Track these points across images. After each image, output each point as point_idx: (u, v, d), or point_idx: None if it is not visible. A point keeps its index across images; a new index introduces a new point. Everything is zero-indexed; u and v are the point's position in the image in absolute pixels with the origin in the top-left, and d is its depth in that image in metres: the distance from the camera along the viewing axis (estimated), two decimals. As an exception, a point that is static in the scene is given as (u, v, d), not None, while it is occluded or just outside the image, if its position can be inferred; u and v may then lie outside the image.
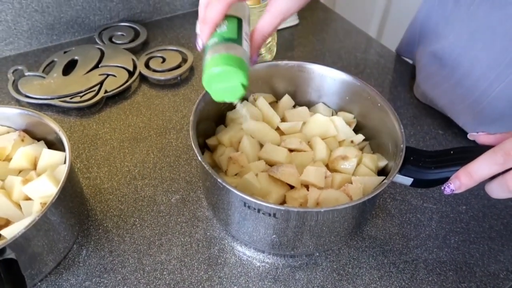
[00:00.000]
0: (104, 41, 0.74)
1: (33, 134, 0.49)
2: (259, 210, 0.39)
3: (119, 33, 0.75)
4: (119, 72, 0.67)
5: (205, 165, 0.40)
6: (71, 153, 0.43)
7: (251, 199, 0.38)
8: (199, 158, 0.41)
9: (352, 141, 0.52)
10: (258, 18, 0.42)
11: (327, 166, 0.49)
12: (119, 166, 0.55)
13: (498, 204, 0.52)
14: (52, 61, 0.69)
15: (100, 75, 0.66)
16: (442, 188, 0.39)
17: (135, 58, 0.70)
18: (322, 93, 0.55)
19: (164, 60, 0.70)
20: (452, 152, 0.41)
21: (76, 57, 0.69)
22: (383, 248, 0.48)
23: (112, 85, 0.65)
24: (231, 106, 0.54)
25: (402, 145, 0.43)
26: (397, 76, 0.72)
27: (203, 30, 0.40)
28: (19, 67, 0.67)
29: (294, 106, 0.56)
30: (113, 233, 0.48)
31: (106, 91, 0.64)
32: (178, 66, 0.69)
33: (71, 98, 0.62)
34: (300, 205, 0.44)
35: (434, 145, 0.60)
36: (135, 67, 0.69)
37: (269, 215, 0.39)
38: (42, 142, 0.49)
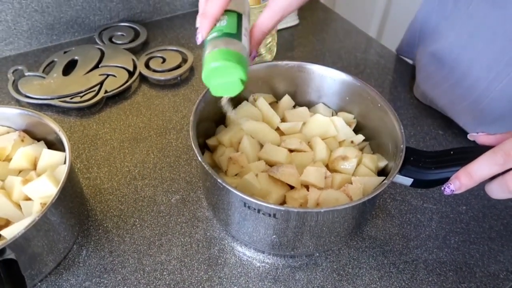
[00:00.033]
0: (104, 41, 0.74)
1: (33, 134, 0.49)
2: (259, 211, 0.39)
3: (119, 33, 0.75)
4: (119, 72, 0.67)
5: (205, 166, 0.40)
6: (71, 153, 0.43)
7: (251, 199, 0.38)
8: (199, 158, 0.41)
9: (352, 142, 0.52)
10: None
11: (327, 166, 0.49)
12: (119, 166, 0.55)
13: (498, 204, 0.52)
14: (52, 61, 0.69)
15: (100, 75, 0.66)
16: (442, 188, 0.39)
17: (135, 58, 0.70)
18: (322, 93, 0.55)
19: (164, 60, 0.70)
20: (452, 152, 0.41)
21: (76, 57, 0.69)
22: (383, 248, 0.48)
23: (112, 85, 0.65)
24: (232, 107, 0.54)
25: (402, 146, 0.43)
26: (397, 76, 0.72)
27: (202, 24, 0.40)
28: (19, 67, 0.67)
29: (294, 107, 0.56)
30: (113, 233, 0.48)
31: (106, 91, 0.64)
32: (178, 66, 0.69)
33: (71, 98, 0.62)
34: (300, 205, 0.44)
35: (434, 146, 0.60)
36: (135, 67, 0.69)
37: (269, 215, 0.39)
38: (42, 142, 0.49)
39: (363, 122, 0.53)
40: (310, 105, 0.56)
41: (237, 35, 0.39)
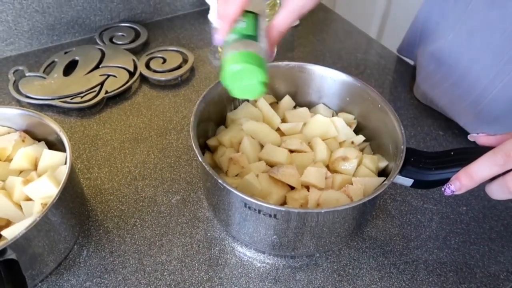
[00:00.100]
0: (105, 41, 0.74)
1: (33, 134, 0.49)
2: (259, 211, 0.39)
3: (120, 33, 0.75)
4: (119, 72, 0.67)
5: (206, 166, 0.40)
6: (71, 154, 0.43)
7: (251, 200, 0.38)
8: (200, 159, 0.41)
9: (352, 142, 0.52)
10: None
11: (327, 167, 0.49)
12: (119, 166, 0.55)
13: (498, 205, 0.52)
14: (53, 62, 0.69)
15: (100, 75, 0.66)
16: (443, 189, 0.39)
17: (135, 59, 0.70)
18: (323, 94, 0.55)
19: (164, 60, 0.70)
20: (452, 153, 0.41)
21: (76, 58, 0.69)
22: (383, 249, 0.48)
23: (112, 86, 0.65)
24: (232, 107, 0.54)
25: (402, 146, 0.43)
26: (397, 77, 0.72)
27: (221, 26, 0.40)
28: (20, 68, 0.67)
29: (294, 107, 0.56)
30: (114, 234, 0.48)
31: (106, 92, 0.64)
32: (179, 67, 0.69)
33: (71, 99, 0.62)
34: (300, 206, 0.44)
35: (434, 146, 0.60)
36: (135, 67, 0.69)
37: (270, 216, 0.39)
38: (42, 143, 0.49)
39: (363, 123, 0.53)
40: (310, 106, 0.56)
41: (255, 37, 0.40)
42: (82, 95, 0.63)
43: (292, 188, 0.46)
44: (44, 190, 0.42)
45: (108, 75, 0.66)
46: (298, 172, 0.46)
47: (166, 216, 0.50)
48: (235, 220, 0.44)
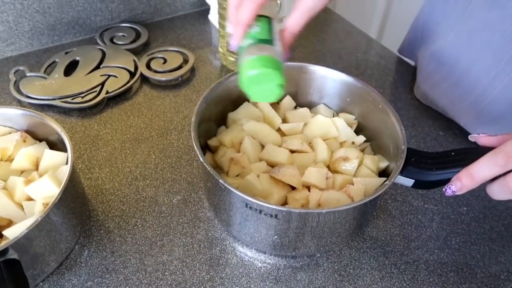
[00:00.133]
0: (105, 41, 0.74)
1: (35, 134, 0.49)
2: (260, 211, 0.39)
3: (120, 33, 0.75)
4: (120, 73, 0.67)
5: (207, 166, 0.40)
6: (73, 154, 0.43)
7: (253, 200, 0.38)
8: (201, 159, 0.41)
9: (353, 142, 0.52)
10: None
11: (328, 167, 0.49)
12: (120, 166, 0.55)
13: (499, 205, 0.52)
14: (54, 62, 0.69)
15: (101, 75, 0.66)
16: (444, 189, 0.39)
17: (136, 59, 0.70)
18: (323, 94, 0.55)
19: (165, 61, 0.70)
20: (453, 153, 0.41)
21: (77, 58, 0.69)
22: (384, 249, 0.48)
23: (113, 86, 0.65)
24: (233, 108, 0.54)
25: (403, 147, 0.43)
26: (398, 77, 0.72)
27: (236, 32, 0.41)
28: (21, 68, 0.67)
29: (295, 107, 0.56)
30: (115, 234, 0.48)
31: (107, 92, 0.64)
32: (179, 67, 0.69)
33: (72, 99, 0.62)
34: (301, 206, 0.44)
35: (434, 146, 0.60)
36: (136, 68, 0.69)
37: (271, 216, 0.39)
38: (44, 143, 0.49)
39: (364, 123, 0.53)
40: (311, 106, 0.56)
41: (270, 41, 0.40)
42: (83, 95, 0.63)
43: (293, 188, 0.46)
44: (46, 190, 0.42)
45: (109, 75, 0.66)
46: (299, 172, 0.46)
47: (167, 216, 0.50)
48: (236, 220, 0.44)
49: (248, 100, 0.55)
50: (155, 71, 0.68)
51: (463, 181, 0.37)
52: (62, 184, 0.40)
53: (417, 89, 0.67)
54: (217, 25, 0.79)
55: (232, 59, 0.69)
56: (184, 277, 0.44)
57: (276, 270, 0.45)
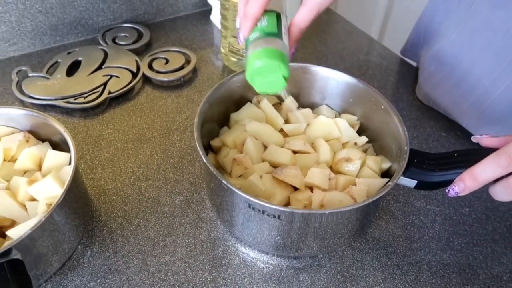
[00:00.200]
0: (108, 42, 0.74)
1: (38, 135, 0.49)
2: (263, 212, 0.39)
3: (122, 34, 0.75)
4: (122, 73, 0.67)
5: (210, 167, 0.40)
6: (76, 154, 0.43)
7: (256, 200, 0.38)
8: (204, 159, 0.41)
9: (355, 143, 0.52)
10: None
11: (331, 168, 0.49)
12: (123, 167, 0.55)
13: (501, 206, 0.52)
14: (56, 62, 0.69)
15: (103, 76, 0.66)
16: (446, 190, 0.39)
17: (138, 59, 0.70)
18: (326, 95, 0.55)
19: (167, 61, 0.70)
20: (456, 154, 0.41)
21: (79, 58, 0.69)
22: (386, 250, 0.48)
23: (115, 86, 0.65)
24: (235, 108, 0.54)
25: (406, 147, 0.43)
26: (400, 78, 0.73)
27: (244, 25, 0.41)
28: (23, 68, 0.67)
29: (297, 108, 0.56)
30: (118, 234, 0.48)
31: (109, 92, 0.64)
32: (181, 68, 0.69)
33: (74, 99, 0.63)
34: (304, 206, 0.44)
35: (437, 147, 0.60)
36: (138, 68, 0.69)
37: (274, 216, 0.39)
38: (47, 143, 0.49)
39: (366, 124, 0.53)
40: (313, 107, 0.56)
41: (277, 34, 0.41)
42: (85, 95, 0.63)
43: (296, 189, 0.46)
44: (49, 191, 0.42)
45: (111, 76, 0.67)
46: (301, 173, 0.46)
47: (169, 217, 0.50)
48: (238, 220, 0.44)
49: (250, 101, 0.55)
50: (157, 72, 0.68)
51: (466, 182, 0.37)
52: (66, 185, 0.40)
53: (419, 90, 0.67)
54: (219, 26, 0.79)
55: (234, 59, 0.69)
56: (187, 278, 0.44)
57: (279, 271, 0.46)
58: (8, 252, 0.36)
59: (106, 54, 0.70)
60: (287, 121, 0.54)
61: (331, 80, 0.53)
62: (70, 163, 0.45)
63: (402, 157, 0.42)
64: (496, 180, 0.37)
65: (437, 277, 0.46)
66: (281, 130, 0.52)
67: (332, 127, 0.51)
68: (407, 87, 0.70)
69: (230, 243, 0.48)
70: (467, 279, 0.45)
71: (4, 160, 0.46)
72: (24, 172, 0.47)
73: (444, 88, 0.61)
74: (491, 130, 0.54)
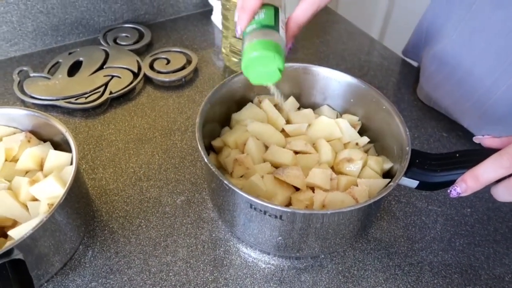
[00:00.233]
0: (109, 42, 0.74)
1: (39, 135, 0.49)
2: (265, 212, 0.39)
3: (124, 34, 0.75)
4: (123, 73, 0.67)
5: (212, 167, 0.40)
6: (77, 154, 0.43)
7: (257, 201, 0.38)
8: (206, 159, 0.41)
9: (357, 144, 0.52)
10: None
11: (332, 168, 0.49)
12: (124, 167, 0.55)
13: (503, 207, 0.52)
14: (57, 62, 0.69)
15: (104, 76, 0.66)
16: (448, 191, 0.39)
17: (139, 60, 0.70)
18: (327, 95, 0.55)
19: (168, 61, 0.70)
20: (457, 155, 0.41)
21: (80, 58, 0.69)
22: (388, 250, 0.48)
23: (116, 86, 0.65)
24: (237, 109, 0.54)
25: (407, 148, 0.43)
26: (401, 78, 0.72)
27: (241, 18, 0.42)
28: (24, 68, 0.67)
29: (299, 108, 0.56)
30: (119, 234, 0.48)
31: (111, 92, 0.64)
32: (183, 68, 0.69)
33: (76, 99, 0.63)
34: (305, 207, 0.44)
35: (438, 148, 0.60)
36: (139, 68, 0.69)
37: (275, 217, 0.39)
38: (48, 143, 0.49)
39: (367, 124, 0.53)
40: (314, 107, 0.56)
41: (274, 27, 0.41)
42: (86, 95, 0.63)
43: (297, 189, 0.46)
44: (50, 191, 0.42)
45: (112, 76, 0.67)
46: (303, 174, 0.46)
47: (171, 217, 0.50)
48: (240, 221, 0.44)
49: (252, 101, 0.55)
50: (159, 72, 0.68)
51: (468, 183, 0.37)
52: (67, 185, 0.40)
53: (420, 90, 0.67)
54: (220, 26, 0.79)
55: (235, 59, 0.69)
56: (188, 278, 0.44)
57: (280, 271, 0.45)
58: (10, 252, 0.36)
59: (107, 55, 0.70)
60: (288, 122, 0.54)
61: (333, 81, 0.53)
62: (71, 163, 0.45)
63: (403, 158, 0.42)
64: (498, 181, 0.37)
65: (438, 278, 0.45)
66: (283, 131, 0.52)
67: (333, 128, 0.51)
68: (408, 88, 0.70)
69: (232, 243, 0.48)
70: (469, 280, 0.45)
71: (6, 160, 0.46)
72: (26, 172, 0.47)
73: (445, 88, 0.61)
74: (492, 131, 0.54)
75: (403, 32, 0.75)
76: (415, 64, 0.75)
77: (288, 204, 0.46)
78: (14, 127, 0.49)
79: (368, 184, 0.45)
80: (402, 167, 0.41)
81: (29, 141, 0.47)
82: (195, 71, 0.71)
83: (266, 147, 0.50)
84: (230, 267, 0.46)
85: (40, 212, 0.42)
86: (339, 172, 0.48)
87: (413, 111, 0.66)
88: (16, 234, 0.40)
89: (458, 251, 0.48)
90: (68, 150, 0.45)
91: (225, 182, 0.39)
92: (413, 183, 0.42)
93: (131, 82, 0.66)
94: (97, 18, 0.76)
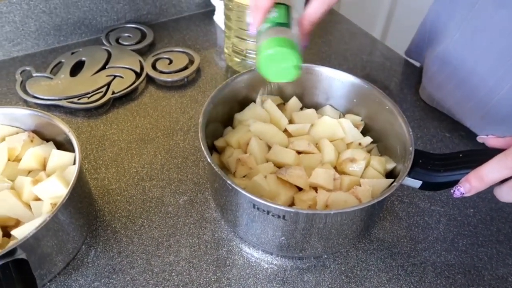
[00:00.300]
0: (111, 42, 0.74)
1: (42, 135, 0.49)
2: (268, 212, 0.39)
3: (126, 34, 0.75)
4: (126, 73, 0.67)
5: (215, 167, 0.40)
6: (80, 154, 0.43)
7: (260, 201, 0.38)
8: (209, 159, 0.41)
9: (360, 144, 0.52)
10: None
11: (335, 168, 0.49)
12: (126, 167, 0.55)
13: (506, 207, 0.52)
14: (60, 62, 0.69)
15: (107, 76, 0.66)
16: (452, 191, 0.39)
17: (142, 60, 0.70)
18: (330, 95, 0.55)
19: (171, 61, 0.70)
20: (461, 155, 0.41)
21: (83, 58, 0.69)
22: (391, 250, 0.48)
23: (119, 86, 0.65)
24: (239, 109, 0.54)
25: (410, 148, 0.43)
26: (403, 78, 0.72)
27: (255, 17, 0.42)
28: (27, 68, 0.67)
29: (301, 108, 0.56)
30: (122, 234, 0.48)
31: (113, 92, 0.64)
32: (185, 68, 0.69)
33: (78, 99, 0.63)
34: (308, 207, 0.44)
35: (441, 148, 0.60)
36: (142, 68, 0.69)
37: (278, 217, 0.39)
38: (51, 143, 0.49)
39: (370, 124, 0.53)
40: (317, 107, 0.56)
41: (287, 25, 0.41)
42: (89, 95, 0.63)
43: (300, 189, 0.46)
44: (53, 190, 0.42)
45: (115, 76, 0.67)
46: (306, 174, 0.46)
47: (173, 217, 0.50)
48: (243, 221, 0.44)
49: (254, 101, 0.55)
50: (161, 72, 0.68)
51: (472, 183, 0.37)
52: (70, 184, 0.40)
53: (423, 90, 0.67)
54: (222, 26, 0.79)
55: (237, 60, 0.69)
56: (191, 278, 0.44)
57: (283, 271, 0.45)
58: (13, 251, 0.36)
59: (109, 54, 0.71)
60: (291, 122, 0.54)
61: (335, 81, 0.53)
62: (74, 163, 0.45)
63: (407, 158, 0.42)
64: (502, 181, 0.37)
65: (442, 278, 0.45)
66: (285, 131, 0.52)
67: (336, 128, 0.51)
68: (410, 88, 0.70)
69: (234, 243, 0.48)
70: (472, 280, 0.45)
71: (9, 159, 0.46)
72: (29, 172, 0.47)
73: (447, 88, 0.61)
74: (495, 131, 0.54)
75: (405, 33, 0.75)
76: (417, 64, 0.75)
77: (291, 204, 0.45)
78: (17, 127, 0.49)
79: (371, 184, 0.45)
80: (406, 167, 0.41)
81: (32, 141, 0.47)
82: (198, 71, 0.71)
83: (269, 147, 0.50)
84: (232, 267, 0.46)
85: (43, 212, 0.42)
86: (342, 172, 0.48)
87: (415, 111, 0.65)
88: (19, 233, 0.40)
89: (461, 252, 0.48)
90: (71, 150, 0.45)
91: (228, 182, 0.39)
92: (416, 183, 0.42)
93: (134, 82, 0.66)
94: (100, 18, 0.76)
